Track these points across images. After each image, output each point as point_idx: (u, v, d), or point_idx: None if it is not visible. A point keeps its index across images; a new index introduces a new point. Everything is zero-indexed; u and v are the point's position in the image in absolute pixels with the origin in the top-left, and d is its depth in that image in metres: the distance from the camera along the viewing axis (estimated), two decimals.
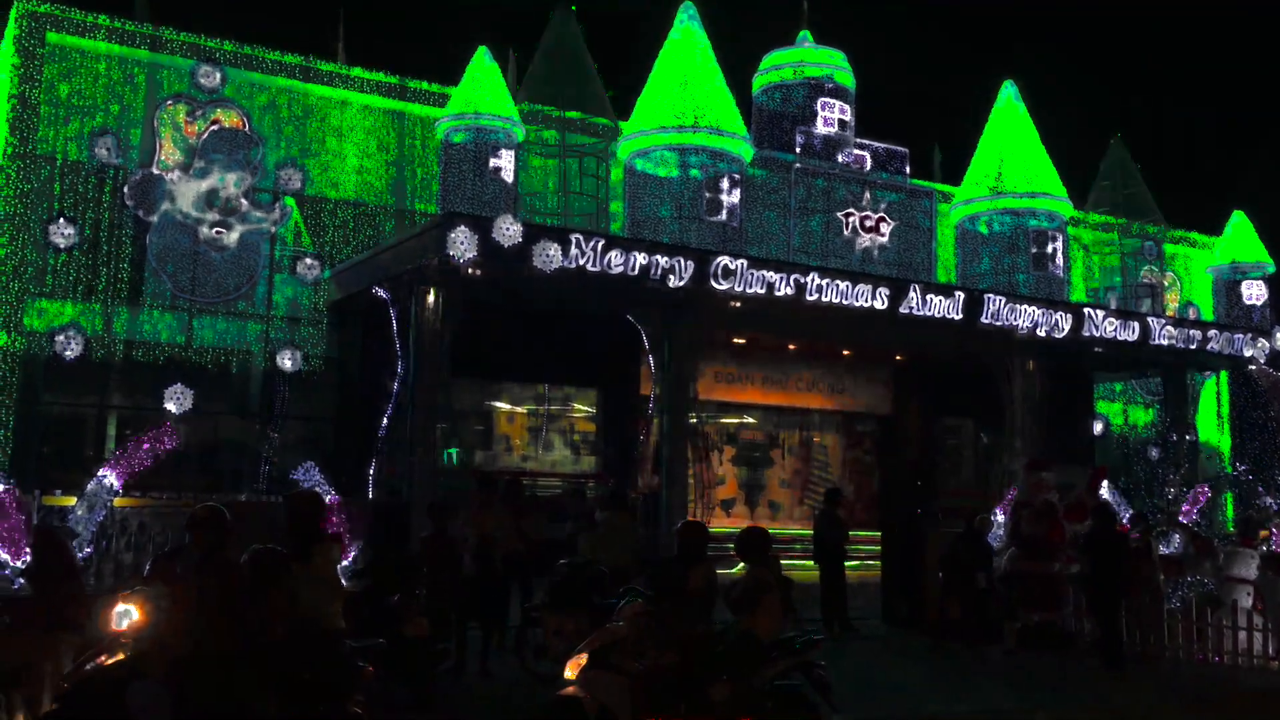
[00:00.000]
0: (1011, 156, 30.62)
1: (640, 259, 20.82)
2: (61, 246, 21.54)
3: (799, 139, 29.00)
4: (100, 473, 14.88)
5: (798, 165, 28.71)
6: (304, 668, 6.51)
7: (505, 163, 25.22)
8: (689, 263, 21.33)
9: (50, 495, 15.61)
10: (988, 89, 32.13)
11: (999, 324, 24.90)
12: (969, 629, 14.03)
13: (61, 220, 21.45)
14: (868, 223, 29.42)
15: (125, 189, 22.37)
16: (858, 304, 23.17)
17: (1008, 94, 31.66)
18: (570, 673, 6.87)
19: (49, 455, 21.60)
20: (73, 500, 14.86)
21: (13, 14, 22.33)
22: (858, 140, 29.87)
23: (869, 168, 29.78)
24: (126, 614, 6.81)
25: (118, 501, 15.30)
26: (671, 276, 21.08)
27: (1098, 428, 32.37)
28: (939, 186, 31.61)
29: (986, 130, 31.54)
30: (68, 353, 21.06)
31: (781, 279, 22.32)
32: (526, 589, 12.36)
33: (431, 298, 20.38)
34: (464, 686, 10.16)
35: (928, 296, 24.10)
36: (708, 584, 7.86)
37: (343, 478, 19.73)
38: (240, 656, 6.12)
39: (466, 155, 24.96)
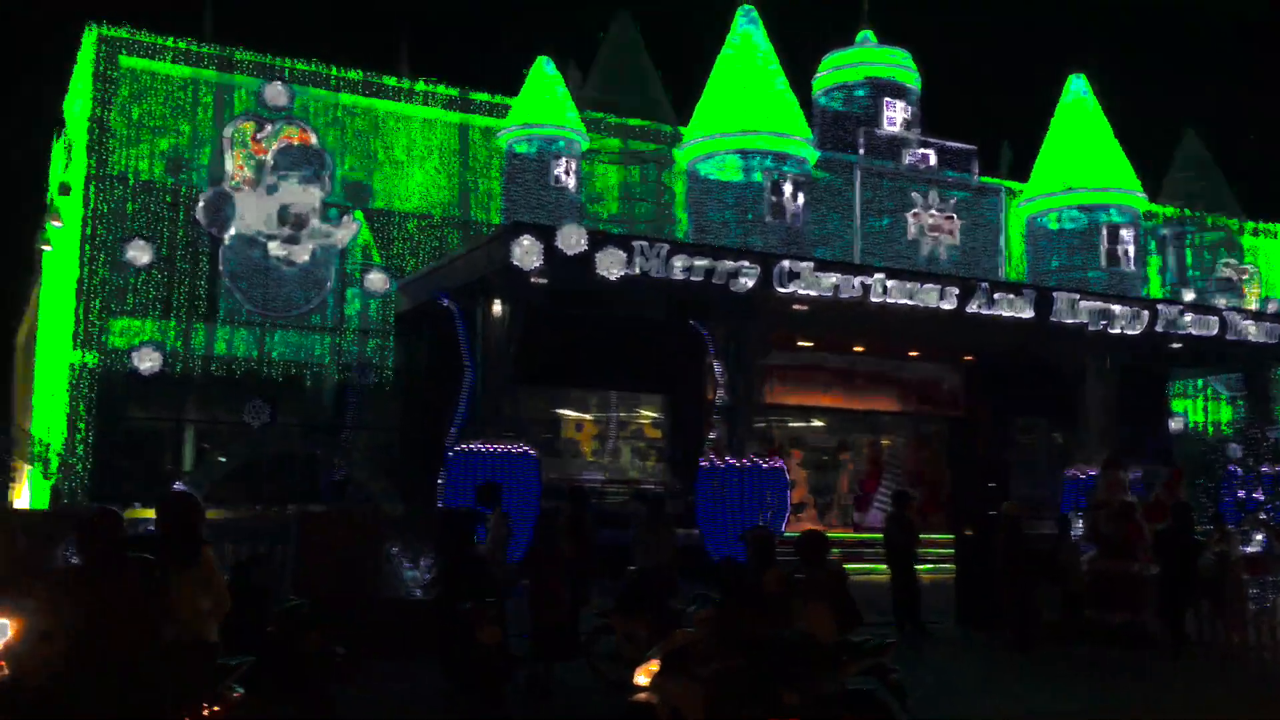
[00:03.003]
0: (1081, 150, 30.09)
1: (704, 264, 20.78)
2: (138, 265, 22.08)
3: (862, 139, 28.77)
4: (177, 486, 15.19)
5: (862, 166, 28.48)
6: (180, 684, 6.08)
7: (567, 171, 25.36)
8: (753, 267, 21.23)
9: (132, 509, 15.97)
10: (1055, 83, 31.63)
11: (1071, 322, 24.44)
12: (1049, 629, 13.80)
13: (137, 240, 21.99)
14: (934, 222, 29.10)
15: (197, 208, 22.85)
16: (925, 304, 22.89)
17: (1076, 87, 31.12)
18: (643, 678, 6.86)
19: (130, 469, 22.11)
20: (152, 513, 15.18)
21: (86, 39, 22.94)
22: (923, 138, 29.56)
23: (935, 166, 29.45)
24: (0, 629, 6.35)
25: None
26: (735, 281, 21.00)
27: (1175, 425, 31.63)
28: (1007, 183, 31.15)
29: (1054, 124, 31.03)
30: (146, 369, 21.56)
31: (847, 281, 22.13)
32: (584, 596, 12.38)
33: (497, 307, 20.51)
34: (537, 692, 10.18)
35: (996, 295, 23.74)
36: (781, 588, 7.81)
37: (411, 487, 19.93)
38: (129, 673, 5.68)
39: (529, 165, 25.15)
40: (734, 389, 22.12)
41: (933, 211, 29.10)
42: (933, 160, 29.45)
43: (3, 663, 5.98)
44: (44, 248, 28.31)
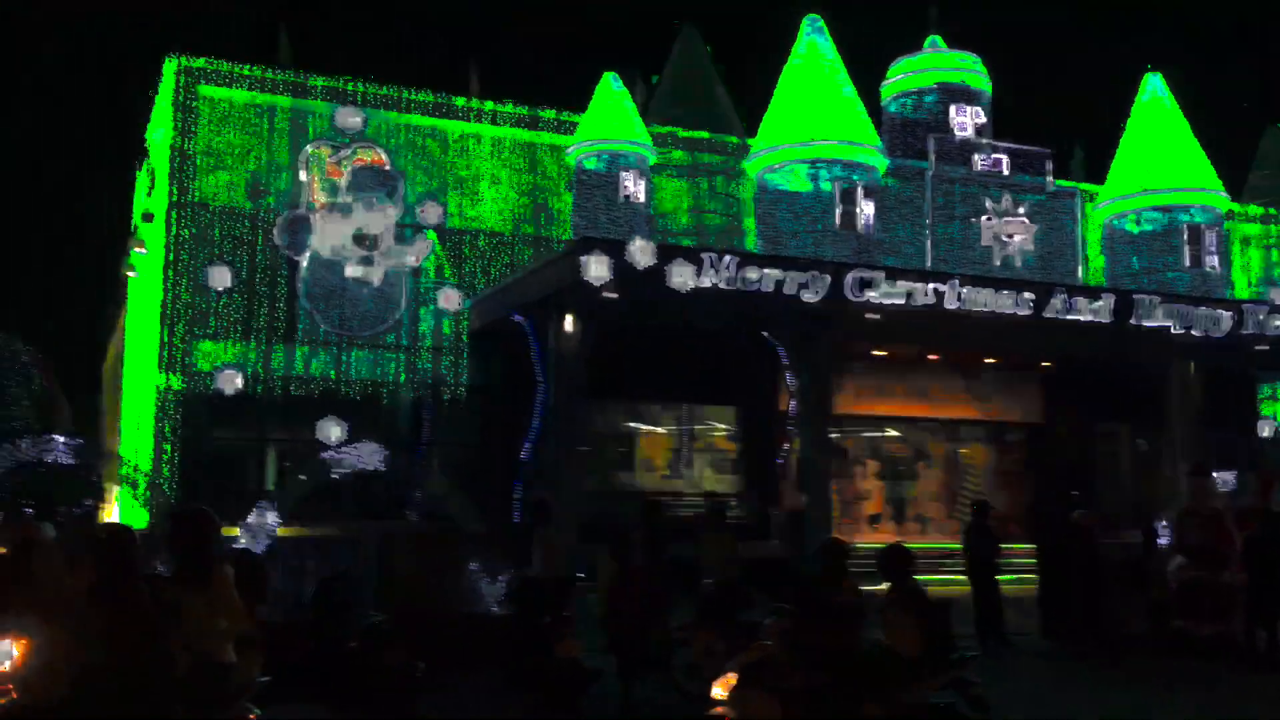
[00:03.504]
0: (1160, 150, 29.48)
1: (774, 275, 20.72)
2: (219, 289, 22.63)
3: (933, 145, 28.48)
4: (260, 503, 15.47)
5: (933, 172, 28.20)
6: (194, 706, 5.89)
7: (636, 185, 25.47)
8: (824, 276, 21.12)
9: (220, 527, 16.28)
10: (1129, 83, 31.05)
11: (1152, 325, 23.91)
12: (1135, 640, 13.48)
13: (218, 264, 22.54)
14: (1008, 227, 28.67)
15: (275, 231, 23.36)
16: (1001, 311, 22.58)
17: (1152, 86, 30.51)
18: (720, 691, 6.84)
19: (215, 488, 22.59)
20: (236, 531, 15.49)
21: (167, 70, 23.60)
22: (994, 143, 29.18)
23: (1007, 170, 29.04)
24: (5, 654, 6.19)
25: (279, 530, 15.88)
26: (806, 291, 20.90)
27: (1266, 430, 30.74)
28: (1082, 186, 30.61)
29: (1130, 124, 30.44)
30: (229, 390, 22.07)
31: (920, 288, 21.91)
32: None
33: (569, 322, 20.65)
34: (615, 706, 10.19)
35: (1074, 300, 23.32)
36: (854, 602, 7.73)
37: (489, 502, 20.08)
38: (139, 696, 5.49)
39: (598, 180, 25.31)
40: (806, 400, 21.99)
41: (1006, 216, 28.69)
42: (1005, 165, 29.05)
43: (10, 686, 5.78)
44: (129, 274, 29.13)
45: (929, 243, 27.85)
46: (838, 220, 25.84)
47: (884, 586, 7.56)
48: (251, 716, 6.48)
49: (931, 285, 22.11)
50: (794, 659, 6.64)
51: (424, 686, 9.78)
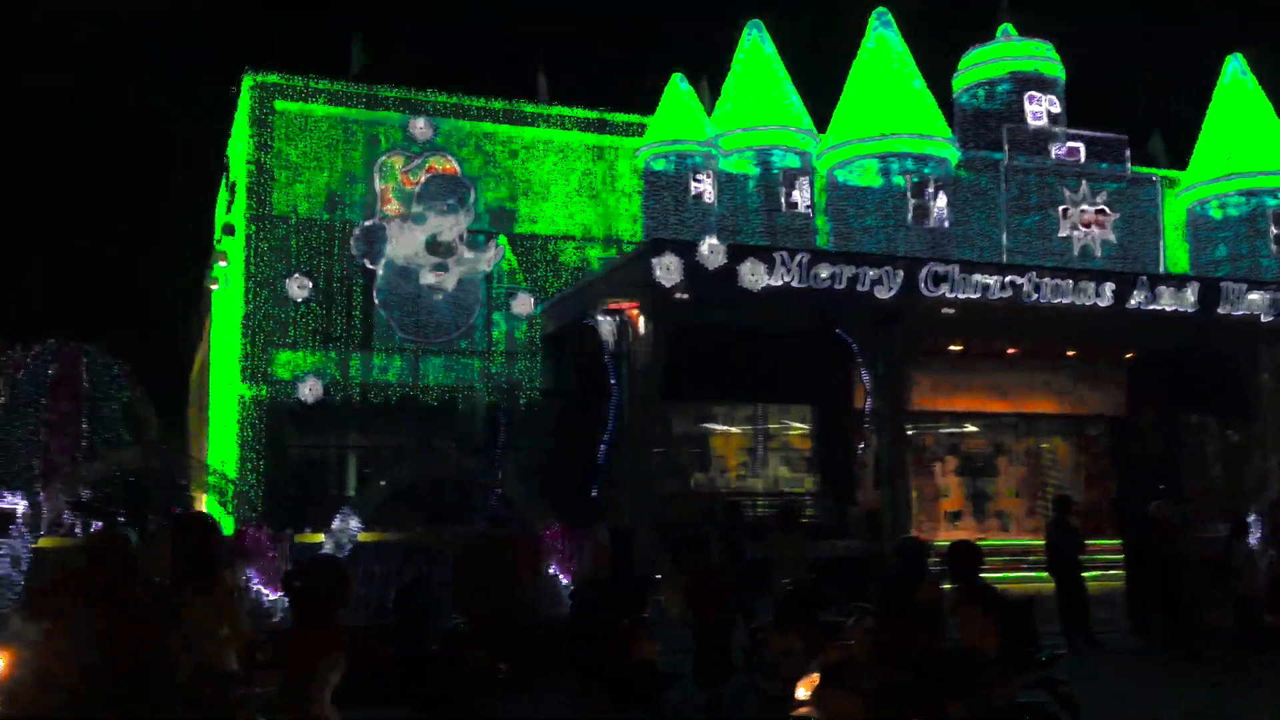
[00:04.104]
0: (1244, 133, 28.68)
1: (847, 271, 20.57)
2: (299, 299, 23.09)
3: (1006, 135, 28.01)
4: (343, 510, 15.74)
5: (1007, 163, 27.74)
6: (197, 716, 5.74)
7: (705, 185, 25.45)
8: (898, 272, 20.92)
9: (301, 533, 16.63)
10: (1209, 66, 30.26)
11: (1240, 313, 23.27)
12: (1233, 638, 13.12)
13: (297, 275, 23.00)
14: (1086, 216, 28.11)
15: (351, 241, 23.76)
16: (1081, 302, 22.15)
17: (1234, 68, 29.71)
18: (803, 692, 6.81)
19: (298, 495, 23.05)
20: (320, 537, 15.78)
21: (244, 86, 24.13)
22: (1070, 131, 28.61)
23: (1084, 159, 28.46)
24: None
25: (361, 536, 16.14)
26: (879, 287, 20.72)
27: None
28: (1163, 172, 29.89)
29: (1212, 108, 29.66)
30: (309, 399, 22.50)
31: (997, 282, 21.59)
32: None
33: (641, 324, 20.69)
34: (694, 708, 10.18)
35: (1157, 289, 22.80)
36: (935, 600, 7.64)
37: (564, 505, 20.19)
38: (139, 704, 5.35)
39: (667, 181, 25.33)
40: (882, 396, 21.78)
41: (1084, 206, 28.12)
42: (1081, 153, 28.47)
43: None
44: (213, 286, 29.82)
45: (1004, 235, 27.40)
46: (910, 214, 25.56)
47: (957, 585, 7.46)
48: None
49: (1008, 278, 21.78)
50: (876, 659, 6.58)
51: (504, 689, 9.88)
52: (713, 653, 9.92)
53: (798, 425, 25.49)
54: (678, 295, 20.00)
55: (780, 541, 12.67)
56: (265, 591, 12.98)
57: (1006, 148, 27.86)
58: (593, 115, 26.40)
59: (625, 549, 15.36)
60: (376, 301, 23.95)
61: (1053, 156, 28.18)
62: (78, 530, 17.63)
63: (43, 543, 15.70)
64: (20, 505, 18.77)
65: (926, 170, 25.71)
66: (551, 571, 13.10)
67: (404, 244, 23.96)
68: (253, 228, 23.62)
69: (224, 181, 29.09)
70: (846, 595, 9.77)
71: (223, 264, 27.36)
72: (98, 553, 5.87)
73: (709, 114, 26.52)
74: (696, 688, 9.98)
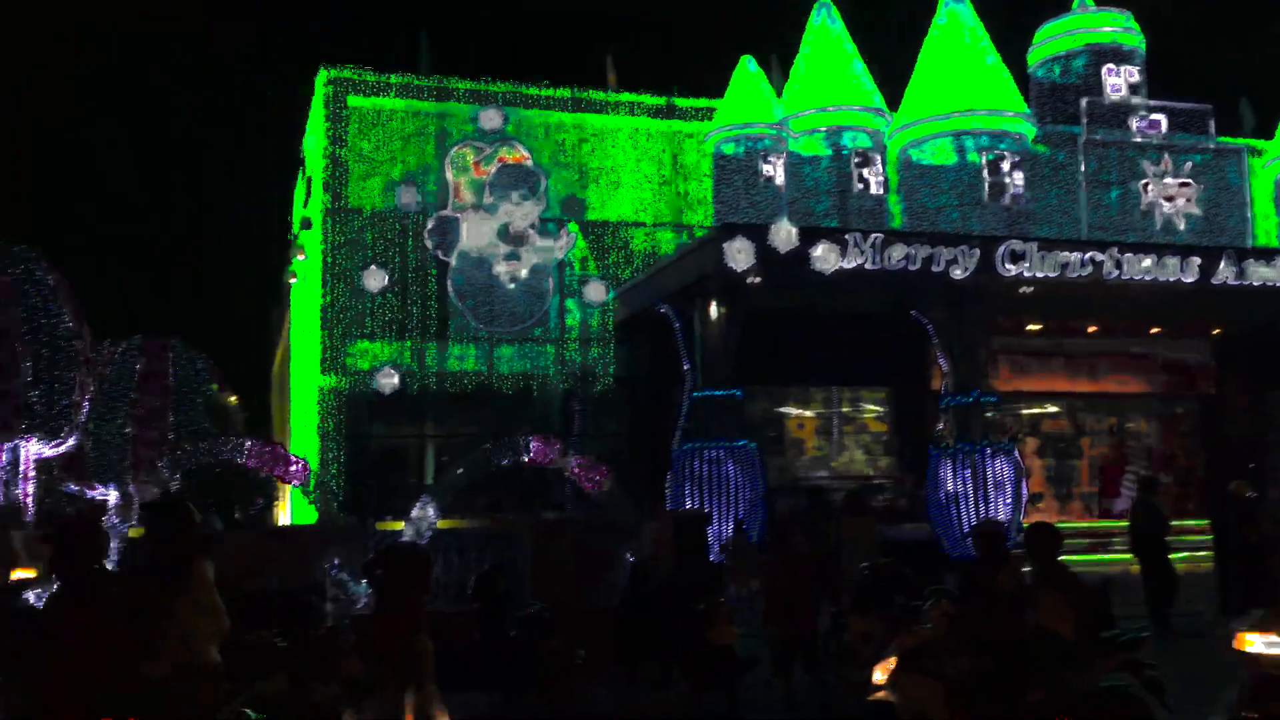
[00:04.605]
0: None
1: (922, 252, 20.32)
2: (374, 291, 23.44)
3: (1084, 109, 27.38)
4: (422, 498, 15.97)
5: (1085, 137, 27.12)
6: (186, 713, 5.49)
7: (776, 168, 25.28)
8: (973, 251, 20.61)
9: (382, 521, 16.91)
10: None
11: None
12: None
13: (373, 267, 23.35)
14: (1169, 190, 27.39)
15: (425, 232, 24.05)
16: (1164, 278, 21.62)
17: None
18: (881, 676, 6.77)
19: (378, 484, 23.43)
20: (400, 525, 16.04)
21: (318, 82, 24.51)
22: (1150, 102, 27.87)
23: (1166, 131, 27.71)
24: None
25: (440, 524, 16.37)
26: (955, 267, 20.44)
27: None
28: (1250, 142, 28.99)
29: None
30: (386, 389, 22.85)
31: (1077, 259, 21.17)
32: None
33: (713, 310, 20.65)
34: (772, 693, 10.18)
35: (1245, 263, 22.15)
36: (1016, 584, 7.53)
37: (639, 492, 20.26)
38: (115, 703, 5.13)
39: (737, 165, 25.21)
40: (959, 378, 21.50)
41: (1166, 179, 27.41)
42: (1163, 124, 27.72)
43: None
44: (291, 280, 30.39)
45: (1084, 211, 26.81)
46: (986, 192, 25.14)
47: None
48: None
49: (1088, 255, 21.33)
50: (955, 643, 6.52)
51: (581, 674, 9.97)
52: (792, 636, 9.90)
53: (873, 408, 25.28)
54: (750, 280, 19.91)
55: (849, 526, 12.59)
56: (348, 578, 13.23)
57: (1085, 121, 27.24)
58: (662, 101, 26.36)
59: (698, 534, 15.38)
60: (451, 292, 24.21)
61: (1133, 129, 27.49)
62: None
63: (133, 533, 16.16)
64: (112, 497, 19.34)
65: (1002, 147, 25.25)
66: (628, 558, 13.16)
67: (477, 234, 24.18)
68: (329, 222, 24.00)
69: (300, 177, 29.59)
70: (925, 579, 9.69)
71: (300, 258, 27.86)
72: (59, 542, 5.55)
73: (778, 96, 26.31)
74: (776, 674, 9.97)
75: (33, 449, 15.55)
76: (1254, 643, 6.53)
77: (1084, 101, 27.42)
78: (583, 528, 15.08)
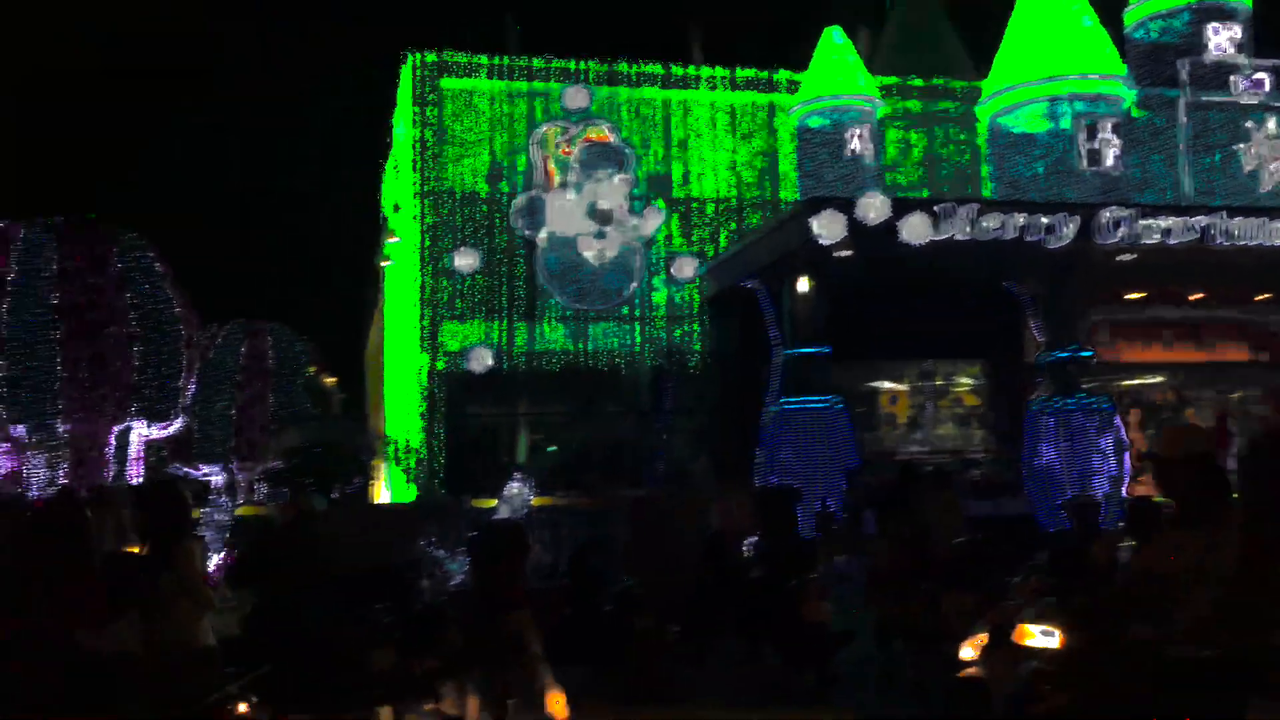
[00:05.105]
0: None
1: (1016, 221, 19.90)
2: (465, 272, 23.77)
3: (1185, 70, 26.44)
4: (515, 475, 16.22)
5: (1186, 99, 26.22)
6: (174, 694, 5.40)
7: (864, 140, 24.95)
8: (1070, 219, 20.12)
9: (478, 499, 17.23)
10: None
11: None
12: None
13: (464, 248, 23.66)
14: (1276, 151, 26.36)
15: (513, 213, 24.28)
16: (1272, 243, 20.87)
17: None
18: (969, 651, 6.72)
19: (474, 462, 23.81)
20: (494, 502, 16.31)
21: (407, 67, 24.85)
22: (1256, 61, 26.79)
23: (1272, 90, 26.63)
24: None
25: (533, 501, 16.62)
26: (1051, 236, 19.99)
27: None
28: None
29: None
30: (479, 369, 23.19)
31: (1178, 224, 20.53)
32: None
33: (802, 284, 20.50)
34: (866, 668, 10.15)
35: None
36: (1110, 558, 7.41)
37: (731, 468, 20.31)
38: (97, 684, 5.14)
39: (824, 138, 24.94)
40: (1055, 350, 21.07)
41: (1274, 140, 26.37)
42: (1268, 84, 26.63)
43: None
44: (384, 263, 30.94)
45: (1185, 175, 25.95)
46: (1082, 159, 24.48)
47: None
48: (241, 706, 5.74)
49: (1191, 220, 20.68)
50: (1046, 619, 6.44)
51: (674, 650, 10.06)
52: (896, 616, 9.86)
53: (968, 381, 24.91)
54: (838, 253, 19.72)
55: (934, 502, 12.43)
56: (444, 555, 13.51)
57: (1185, 83, 26.31)
58: (748, 74, 26.18)
59: (789, 510, 15.36)
60: (540, 271, 24.42)
61: (1237, 90, 26.48)
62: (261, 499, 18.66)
63: (240, 511, 16.70)
64: (217, 477, 19.98)
65: (1098, 111, 24.54)
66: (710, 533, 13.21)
67: (564, 214, 24.31)
68: (420, 204, 24.36)
69: (390, 160, 30.06)
70: (1021, 554, 9.57)
71: (393, 240, 28.33)
72: (45, 522, 5.52)
73: (865, 66, 25.92)
74: (876, 648, 9.93)
75: (142, 431, 16.14)
76: (1034, 634, 6.28)
77: (1185, 62, 26.47)
78: (674, 504, 15.16)
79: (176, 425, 16.80)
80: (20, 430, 15.05)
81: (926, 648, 10.22)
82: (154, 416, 15.91)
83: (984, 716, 6.42)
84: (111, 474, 15.42)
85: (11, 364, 14.87)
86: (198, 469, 20.12)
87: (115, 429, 15.59)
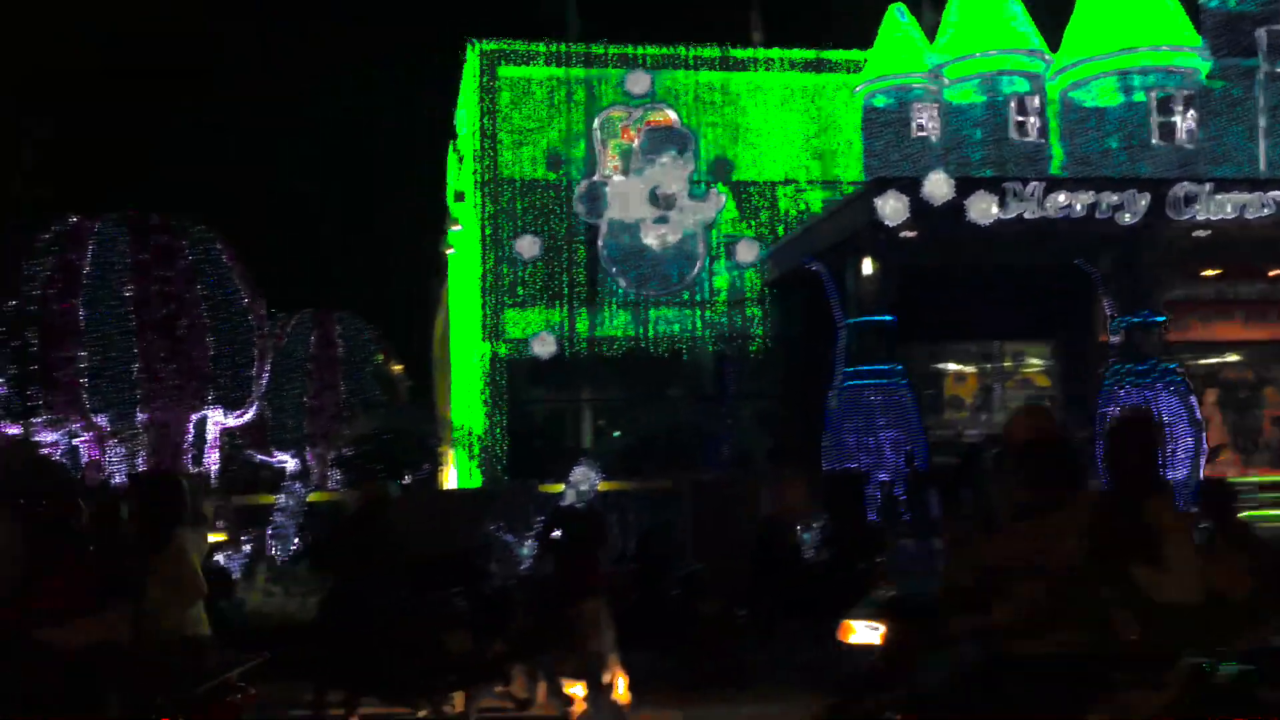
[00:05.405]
0: None
1: (1086, 198, 19.54)
2: (528, 259, 23.91)
3: (1264, 40, 25.67)
4: (582, 460, 16.28)
5: (1264, 69, 25.47)
6: (167, 686, 5.34)
7: (928, 119, 24.61)
8: (1143, 195, 19.71)
9: (545, 484, 17.34)
10: None
11: None
12: None
13: (526, 235, 23.79)
14: None
15: (574, 199, 24.34)
16: None
17: None
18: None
19: (538, 449, 23.97)
20: (561, 488, 16.41)
21: (469, 55, 24.99)
22: None
23: None
24: None
25: (600, 486, 16.68)
26: (1123, 213, 19.59)
27: None
28: None
29: None
30: (543, 355, 23.34)
31: (1255, 199, 20.02)
32: None
33: (866, 266, 20.33)
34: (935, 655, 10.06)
35: None
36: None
37: (796, 452, 20.22)
38: (85, 673, 5.12)
39: (888, 117, 24.64)
40: (1128, 329, 20.67)
41: None
42: None
43: None
44: (447, 251, 31.20)
45: (1262, 148, 25.24)
46: (1155, 133, 23.91)
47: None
48: (241, 696, 5.68)
49: (1268, 194, 20.14)
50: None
51: (743, 632, 10.06)
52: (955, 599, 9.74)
53: (1037, 362, 24.54)
54: (903, 234, 19.52)
55: (998, 485, 12.25)
56: (512, 540, 13.63)
57: (1263, 53, 25.56)
58: (809, 55, 25.95)
59: (857, 493, 15.27)
60: (601, 257, 24.47)
61: None
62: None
63: (313, 498, 16.99)
64: (291, 464, 20.34)
65: (1172, 84, 23.94)
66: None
67: (626, 199, 24.32)
68: (482, 192, 24.52)
69: (452, 149, 30.27)
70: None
71: (456, 228, 28.56)
72: (32, 511, 5.61)
73: (930, 44, 25.55)
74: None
75: (218, 419, 16.47)
76: (856, 630, 5.97)
77: (1262, 31, 25.71)
78: (738, 489, 15.14)
79: (251, 413, 17.12)
80: (102, 420, 15.44)
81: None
82: (229, 405, 16.23)
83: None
84: (190, 461, 15.76)
85: (92, 355, 15.25)
86: (273, 456, 20.50)
87: (193, 417, 15.93)
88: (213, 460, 16.50)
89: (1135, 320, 20.47)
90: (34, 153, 28.83)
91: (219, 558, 10.81)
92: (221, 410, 16.24)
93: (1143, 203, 19.64)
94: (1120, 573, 3.97)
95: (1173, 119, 23.94)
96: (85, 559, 5.69)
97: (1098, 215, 19.56)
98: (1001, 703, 3.81)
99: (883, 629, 5.90)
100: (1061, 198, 19.46)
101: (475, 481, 23.60)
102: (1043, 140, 25.35)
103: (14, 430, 15.50)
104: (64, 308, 15.37)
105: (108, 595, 5.47)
